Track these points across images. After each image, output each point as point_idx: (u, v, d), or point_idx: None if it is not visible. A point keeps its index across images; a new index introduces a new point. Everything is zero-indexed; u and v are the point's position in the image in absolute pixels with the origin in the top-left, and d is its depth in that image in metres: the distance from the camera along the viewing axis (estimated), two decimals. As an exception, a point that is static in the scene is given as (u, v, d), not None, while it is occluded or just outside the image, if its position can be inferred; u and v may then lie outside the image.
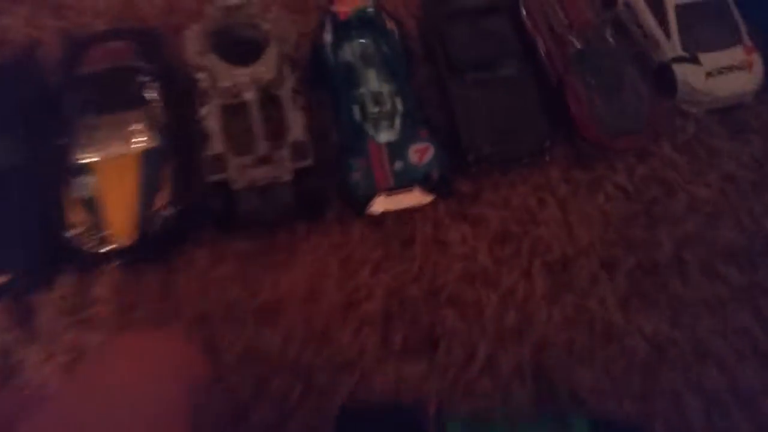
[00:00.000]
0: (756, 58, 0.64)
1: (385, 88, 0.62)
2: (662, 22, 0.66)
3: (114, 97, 0.59)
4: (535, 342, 0.55)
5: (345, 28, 0.65)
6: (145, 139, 0.57)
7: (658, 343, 0.55)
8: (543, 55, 0.66)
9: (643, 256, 0.58)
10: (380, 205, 0.58)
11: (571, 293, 0.57)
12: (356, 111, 0.62)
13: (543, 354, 0.55)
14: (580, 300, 0.57)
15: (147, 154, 0.57)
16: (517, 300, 0.57)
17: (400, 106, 0.62)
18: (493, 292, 0.57)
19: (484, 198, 0.61)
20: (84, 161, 0.56)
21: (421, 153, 0.59)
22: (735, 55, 0.64)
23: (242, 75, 0.55)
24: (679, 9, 0.65)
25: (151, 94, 0.59)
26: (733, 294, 0.57)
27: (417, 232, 0.59)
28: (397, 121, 0.61)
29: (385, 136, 0.60)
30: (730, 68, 0.64)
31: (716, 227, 0.60)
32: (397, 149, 0.59)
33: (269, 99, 0.58)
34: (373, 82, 0.63)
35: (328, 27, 0.65)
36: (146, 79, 0.60)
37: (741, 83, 0.63)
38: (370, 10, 0.66)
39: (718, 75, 0.64)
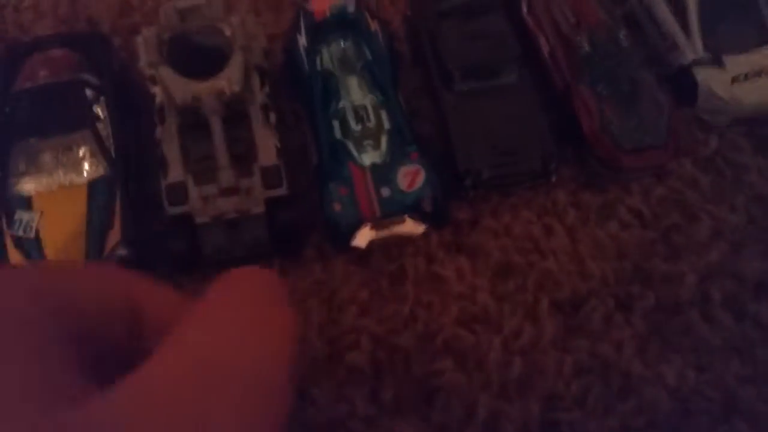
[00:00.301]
0: (788, 60, 0.57)
1: (369, 101, 0.55)
2: (681, 19, 0.58)
3: (56, 117, 0.50)
4: (544, 395, 0.48)
5: (322, 31, 0.57)
6: (94, 166, 0.50)
7: (682, 395, 0.48)
8: (547, 57, 0.58)
9: (663, 292, 0.52)
10: (365, 238, 0.51)
11: (584, 337, 0.50)
12: (336, 127, 0.54)
13: (553, 409, 0.48)
14: (594, 345, 0.50)
15: (96, 184, 0.49)
16: (522, 345, 0.50)
17: (386, 122, 0.54)
18: (495, 336, 0.50)
19: (483, 225, 0.54)
20: (23, 193, 0.49)
21: (411, 177, 0.52)
22: (764, 57, 0.57)
23: (201, 89, 0.47)
24: (702, 3, 0.58)
25: (100, 112, 0.51)
26: (765, 335, 0.51)
27: (408, 268, 0.52)
28: (384, 140, 0.53)
29: (369, 158, 0.52)
30: (759, 73, 0.56)
31: (744, 257, 0.53)
32: (383, 173, 0.51)
33: (236, 116, 0.50)
34: (355, 93, 0.55)
35: (303, 29, 0.56)
36: (94, 94, 0.52)
37: (771, 90, 0.56)
38: (351, 8, 0.57)
39: (745, 80, 0.56)
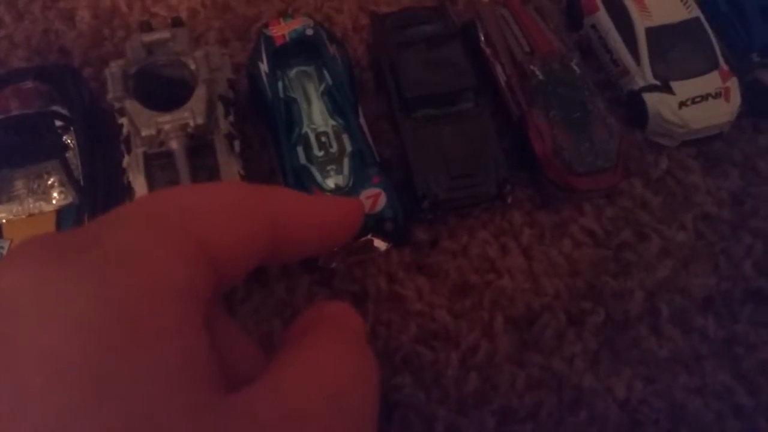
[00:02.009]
0: (733, 84, 0.60)
1: (331, 126, 0.57)
2: (632, 46, 0.61)
3: (27, 147, 0.52)
4: (499, 409, 0.50)
5: (282, 55, 0.59)
6: (63, 194, 0.51)
7: (631, 407, 0.51)
8: (503, 85, 0.61)
9: (614, 308, 0.54)
10: (330, 258, 0.53)
11: (537, 352, 0.52)
12: (300, 153, 0.56)
13: (507, 422, 0.50)
14: (547, 360, 0.52)
15: (64, 212, 0.51)
16: (478, 361, 0.52)
17: (348, 146, 0.56)
18: (453, 352, 0.52)
19: (442, 246, 0.56)
20: (-6, 221, 0.51)
21: (373, 199, 0.54)
22: (711, 82, 0.59)
23: (166, 122, 0.49)
24: (651, 32, 0.60)
25: (69, 143, 0.53)
26: (711, 348, 0.53)
27: (370, 287, 0.54)
28: (346, 163, 0.56)
29: (332, 182, 0.55)
30: (705, 97, 0.59)
31: (692, 273, 0.55)
32: (346, 196, 0.53)
33: (200, 146, 0.52)
34: (316, 119, 0.57)
35: (263, 54, 0.58)
36: (64, 124, 0.54)
37: (717, 113, 0.58)
38: (309, 31, 0.59)
39: (693, 104, 0.59)
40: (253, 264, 0.21)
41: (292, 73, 0.59)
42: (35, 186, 0.52)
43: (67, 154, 0.53)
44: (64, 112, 0.54)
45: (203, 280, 0.18)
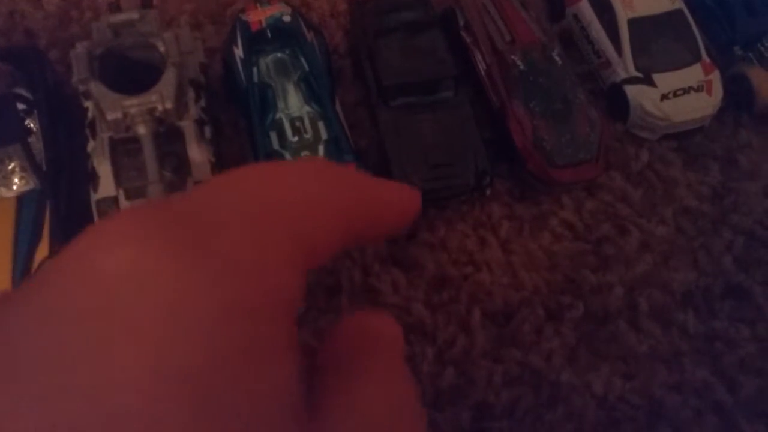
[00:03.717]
0: (715, 78, 0.59)
1: (306, 112, 0.55)
2: (614, 38, 0.60)
3: (-13, 130, 0.50)
4: (475, 404, 0.49)
5: (258, 41, 0.57)
6: (24, 179, 0.49)
7: (609, 403, 0.50)
8: (483, 74, 0.59)
9: (593, 302, 0.53)
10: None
11: (515, 347, 0.51)
12: (274, 138, 0.54)
13: (483, 418, 0.49)
14: (525, 355, 0.51)
15: (25, 198, 0.49)
16: (455, 355, 0.51)
17: (323, 133, 0.55)
18: (429, 347, 0.51)
19: (419, 238, 0.55)
20: (-50, 207, 0.48)
21: (347, 189, 0.52)
22: (693, 75, 0.59)
23: (132, 105, 0.47)
24: (633, 23, 0.59)
25: (32, 126, 0.51)
26: (691, 344, 0.52)
27: (344, 280, 0.53)
28: (321, 150, 0.54)
29: (306, 170, 0.53)
30: (688, 90, 0.58)
31: (672, 268, 0.54)
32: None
33: (169, 131, 0.50)
34: (292, 104, 0.56)
35: (239, 40, 0.57)
36: (27, 107, 0.51)
37: (699, 107, 0.58)
38: (287, 17, 0.58)
39: (675, 97, 0.58)
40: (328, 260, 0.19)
41: (268, 59, 0.58)
42: (-6, 171, 0.49)
43: (29, 139, 0.50)
44: (27, 94, 0.51)
45: (300, 289, 0.16)
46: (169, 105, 0.48)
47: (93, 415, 0.12)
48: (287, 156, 0.53)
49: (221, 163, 0.53)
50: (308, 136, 0.54)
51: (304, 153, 0.54)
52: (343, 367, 0.18)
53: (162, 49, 0.50)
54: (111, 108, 0.47)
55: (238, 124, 0.58)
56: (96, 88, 0.48)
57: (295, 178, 0.18)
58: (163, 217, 0.15)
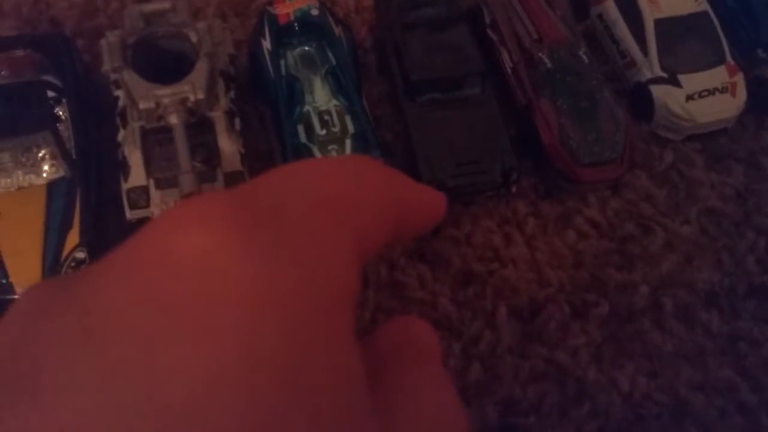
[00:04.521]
0: (739, 80, 0.59)
1: (334, 105, 0.55)
2: (640, 37, 0.60)
3: (17, 118, 0.50)
4: (501, 400, 0.49)
5: (286, 34, 0.57)
6: (54, 167, 0.49)
7: (635, 401, 0.50)
8: (509, 71, 0.59)
9: (617, 300, 0.53)
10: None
11: (540, 344, 0.51)
12: (301, 132, 0.54)
13: (509, 414, 0.49)
14: (550, 352, 0.51)
15: (55, 186, 0.49)
16: (481, 351, 0.51)
17: (350, 127, 0.55)
18: (455, 342, 0.51)
19: (445, 234, 0.55)
20: (-21, 193, 0.48)
21: (374, 183, 0.52)
22: (718, 76, 0.59)
23: (165, 95, 0.47)
24: (659, 24, 0.60)
25: (61, 114, 0.51)
26: (715, 343, 0.52)
27: (370, 275, 0.53)
28: (348, 144, 0.54)
29: (334, 163, 0.53)
30: (713, 91, 0.58)
31: (696, 268, 0.55)
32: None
33: (200, 122, 0.50)
34: (319, 97, 0.56)
35: (267, 32, 0.57)
36: (56, 95, 0.51)
37: (724, 108, 0.58)
38: (315, 11, 0.58)
39: (700, 98, 0.58)
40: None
41: (295, 52, 0.58)
42: (24, 158, 0.49)
43: (58, 126, 0.50)
44: (56, 82, 0.51)
45: (359, 280, 0.17)
46: (201, 95, 0.48)
47: (179, 396, 0.12)
48: (315, 149, 0.53)
49: (248, 156, 0.53)
50: (336, 129, 0.54)
51: (332, 147, 0.54)
52: (383, 373, 0.18)
53: (194, 39, 0.50)
54: (144, 97, 0.47)
55: (264, 117, 0.58)
56: (129, 76, 0.48)
57: (348, 173, 0.19)
58: (235, 205, 0.15)
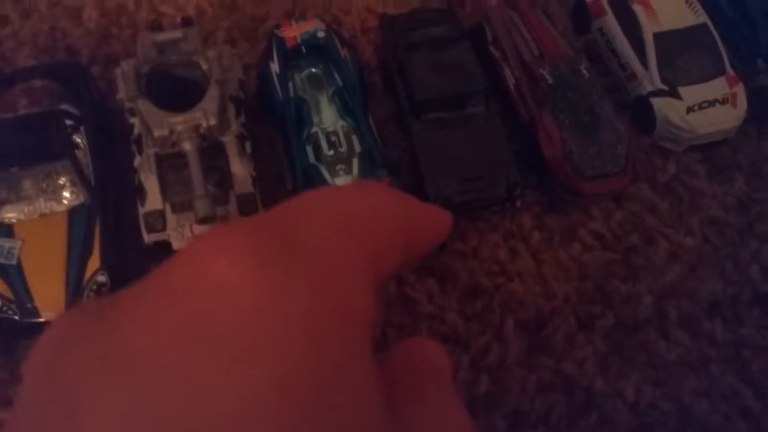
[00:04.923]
0: (740, 90, 0.60)
1: (341, 126, 0.57)
2: (640, 51, 0.61)
3: (37, 146, 0.52)
4: (510, 411, 0.51)
5: (293, 57, 0.59)
6: (74, 194, 0.51)
7: (640, 409, 0.51)
8: (512, 88, 0.61)
9: (623, 311, 0.54)
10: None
11: (547, 355, 0.52)
12: (310, 152, 0.56)
13: (518, 425, 0.50)
14: (557, 363, 0.52)
15: (75, 212, 0.51)
16: (489, 363, 0.52)
17: (357, 146, 0.56)
18: (464, 355, 0.52)
19: (452, 248, 0.56)
20: (4, 221, 0.50)
21: (382, 202, 0.54)
22: (718, 87, 0.60)
23: (178, 123, 0.49)
24: (659, 37, 0.61)
25: (79, 142, 0.53)
26: (719, 352, 0.53)
27: (380, 290, 0.54)
28: (355, 164, 0.56)
29: (342, 181, 0.55)
30: (713, 102, 0.59)
31: (700, 278, 0.56)
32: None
33: (212, 146, 0.52)
34: (326, 118, 0.57)
35: (275, 55, 0.58)
36: (74, 123, 0.53)
37: (724, 119, 0.59)
38: (321, 33, 0.59)
39: (700, 110, 0.59)
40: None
41: (303, 74, 0.59)
42: (45, 186, 0.51)
43: (77, 154, 0.52)
44: (74, 110, 0.53)
45: (375, 303, 0.17)
46: (213, 122, 0.50)
47: (215, 422, 0.13)
48: (323, 170, 0.55)
49: (260, 178, 0.54)
50: (343, 149, 0.56)
51: (339, 167, 0.55)
52: (398, 390, 0.19)
53: (205, 66, 0.52)
54: (158, 125, 0.49)
55: (273, 139, 0.60)
56: (143, 105, 0.50)
57: (360, 200, 0.20)
58: (259, 236, 0.16)
